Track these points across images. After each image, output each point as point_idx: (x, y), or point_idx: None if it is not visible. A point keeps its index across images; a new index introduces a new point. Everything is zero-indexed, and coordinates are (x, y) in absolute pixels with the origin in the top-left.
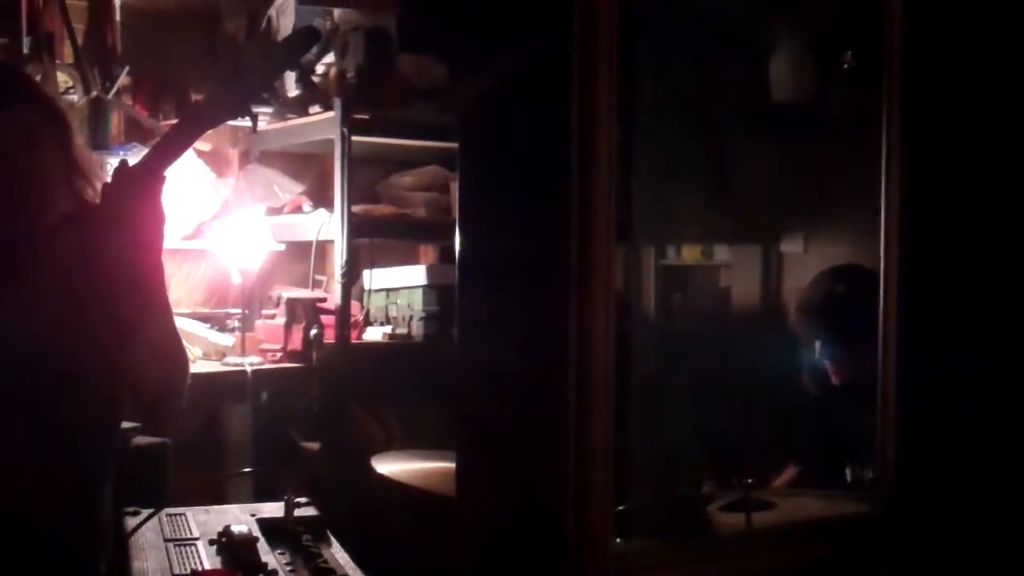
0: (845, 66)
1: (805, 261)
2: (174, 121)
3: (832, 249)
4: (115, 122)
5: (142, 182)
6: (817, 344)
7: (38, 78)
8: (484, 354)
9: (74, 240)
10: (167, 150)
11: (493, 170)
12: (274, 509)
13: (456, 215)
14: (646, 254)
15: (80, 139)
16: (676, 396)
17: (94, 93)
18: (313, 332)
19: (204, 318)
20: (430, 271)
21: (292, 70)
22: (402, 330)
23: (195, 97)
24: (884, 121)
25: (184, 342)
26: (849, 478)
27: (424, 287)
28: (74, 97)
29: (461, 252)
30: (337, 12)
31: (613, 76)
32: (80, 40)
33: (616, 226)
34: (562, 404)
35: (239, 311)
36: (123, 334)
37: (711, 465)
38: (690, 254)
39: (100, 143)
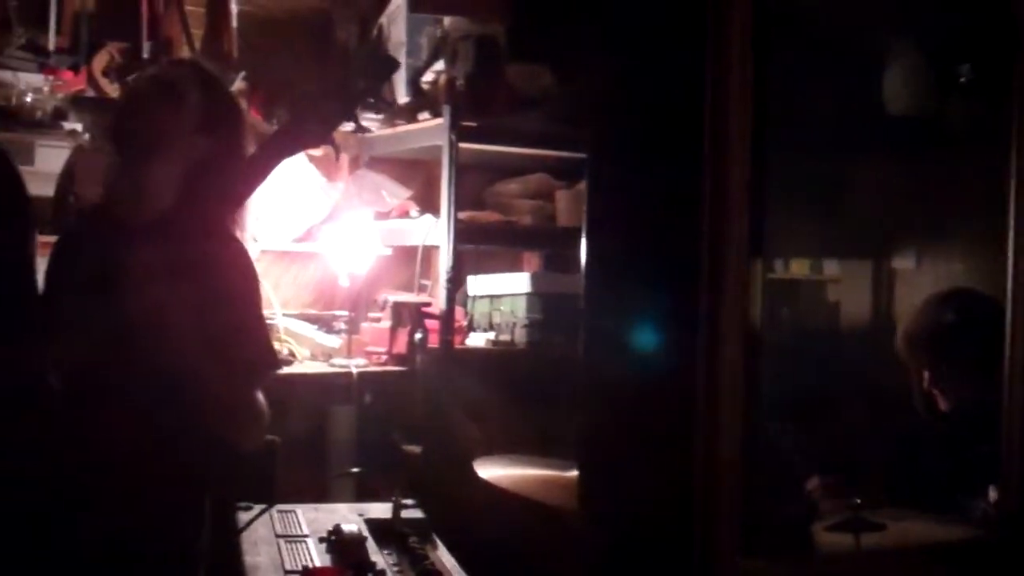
0: (962, 79)
1: (917, 277)
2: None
3: (945, 266)
4: None
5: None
6: (925, 373)
7: None
8: (610, 367)
9: (176, 242)
10: (251, 176)
11: (623, 185)
12: (381, 510)
13: (560, 222)
14: (754, 267)
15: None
16: (781, 412)
17: None
18: (417, 336)
19: (312, 319)
20: (534, 279)
21: (373, 97)
22: (505, 337)
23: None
24: (1014, 136)
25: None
26: (960, 503)
27: (528, 295)
28: None
29: (588, 266)
30: (447, 20)
31: (747, 103)
32: (198, 46)
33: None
34: (690, 419)
35: (346, 313)
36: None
37: (817, 483)
38: (799, 268)
39: None
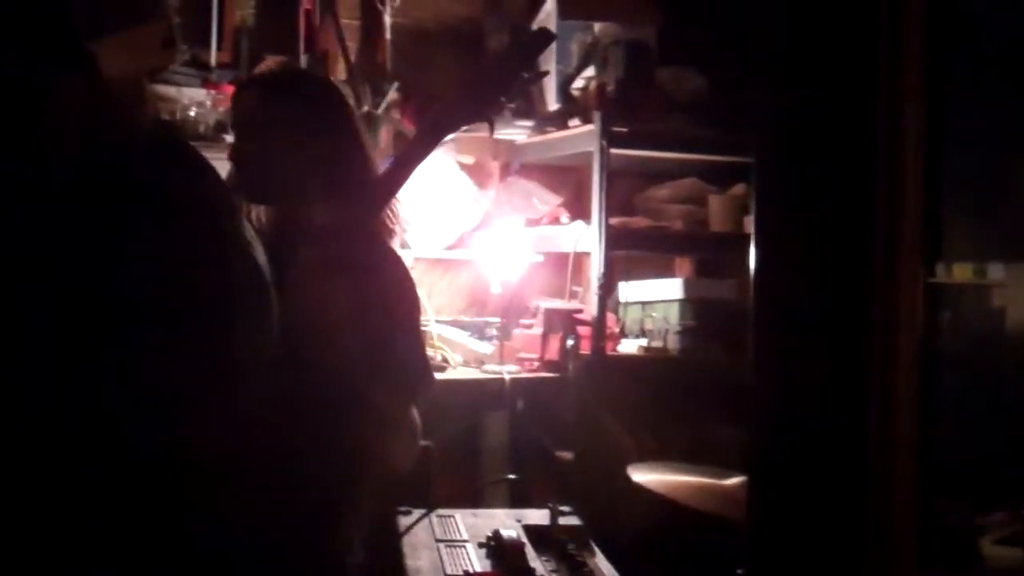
0: None
1: None
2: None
3: None
4: (384, 135)
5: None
6: None
7: None
8: (779, 375)
9: (330, 254)
10: (410, 158)
11: (792, 191)
12: (538, 516)
13: (712, 227)
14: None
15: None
16: (943, 421)
17: (365, 108)
18: (569, 343)
19: (465, 326)
20: (687, 284)
21: (528, 71)
22: (658, 343)
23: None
24: None
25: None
26: None
27: (680, 300)
28: None
29: (757, 273)
30: (597, 26)
31: (922, 101)
32: (353, 58)
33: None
34: (864, 430)
35: (498, 320)
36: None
37: (982, 495)
38: (961, 272)
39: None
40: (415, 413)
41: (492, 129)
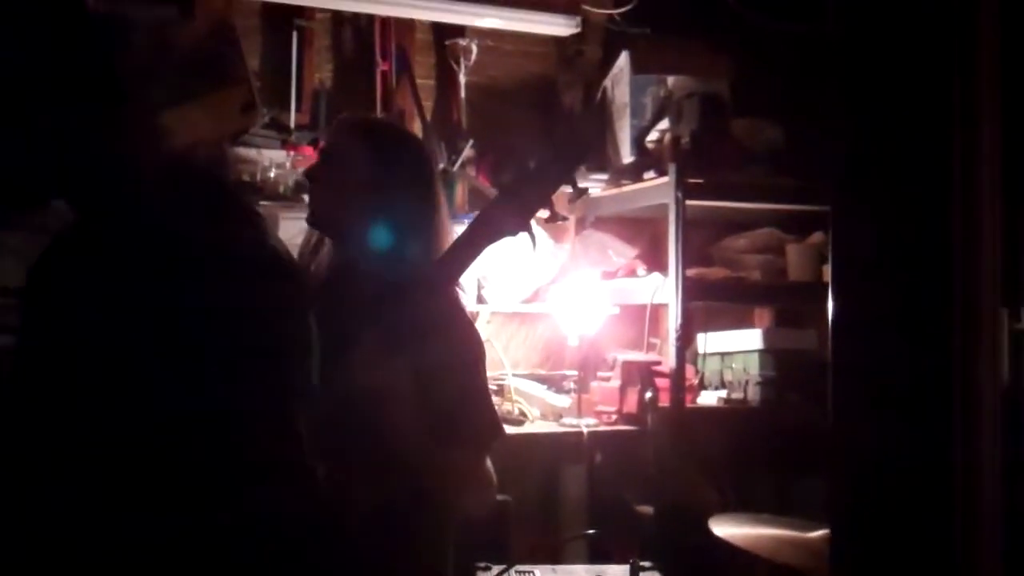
0: None
1: None
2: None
3: None
4: (460, 192)
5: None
6: None
7: None
8: (862, 429)
9: (399, 310)
10: (457, 260)
11: (869, 240)
12: (619, 572)
13: (791, 277)
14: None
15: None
16: None
17: (441, 165)
18: (648, 395)
19: (541, 379)
20: (766, 335)
21: (568, 184)
22: (738, 395)
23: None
24: None
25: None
26: None
27: (760, 351)
28: None
29: (835, 324)
30: (671, 79)
31: (998, 149)
32: (428, 116)
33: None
34: (949, 483)
35: (575, 373)
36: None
37: None
38: None
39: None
40: (489, 465)
41: (534, 243)
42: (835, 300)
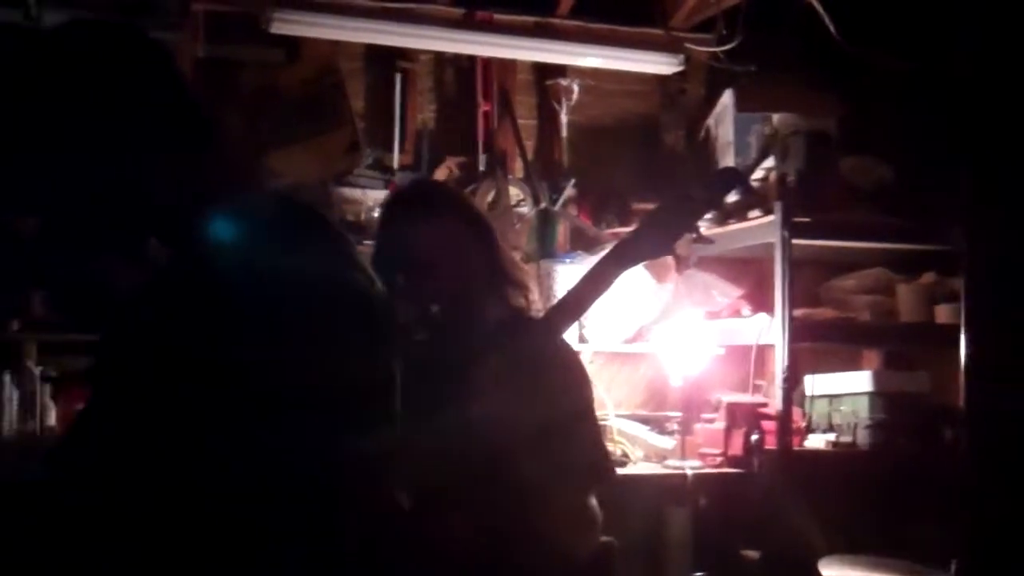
0: None
1: None
2: (616, 230)
3: None
4: (561, 231)
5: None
6: None
7: (492, 193)
8: (995, 474)
9: (509, 349)
10: (591, 288)
11: (1008, 279)
12: None
13: (902, 317)
14: None
15: (508, 248)
16: None
17: (543, 205)
18: (754, 438)
19: (644, 420)
20: (876, 377)
21: (716, 210)
22: (846, 438)
23: (635, 206)
24: None
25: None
26: None
27: (870, 394)
28: (524, 209)
29: (968, 366)
30: (776, 117)
31: None
32: (530, 156)
33: None
34: None
35: (678, 414)
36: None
37: None
38: None
39: (547, 252)
40: (595, 504)
41: (680, 266)
42: (969, 344)
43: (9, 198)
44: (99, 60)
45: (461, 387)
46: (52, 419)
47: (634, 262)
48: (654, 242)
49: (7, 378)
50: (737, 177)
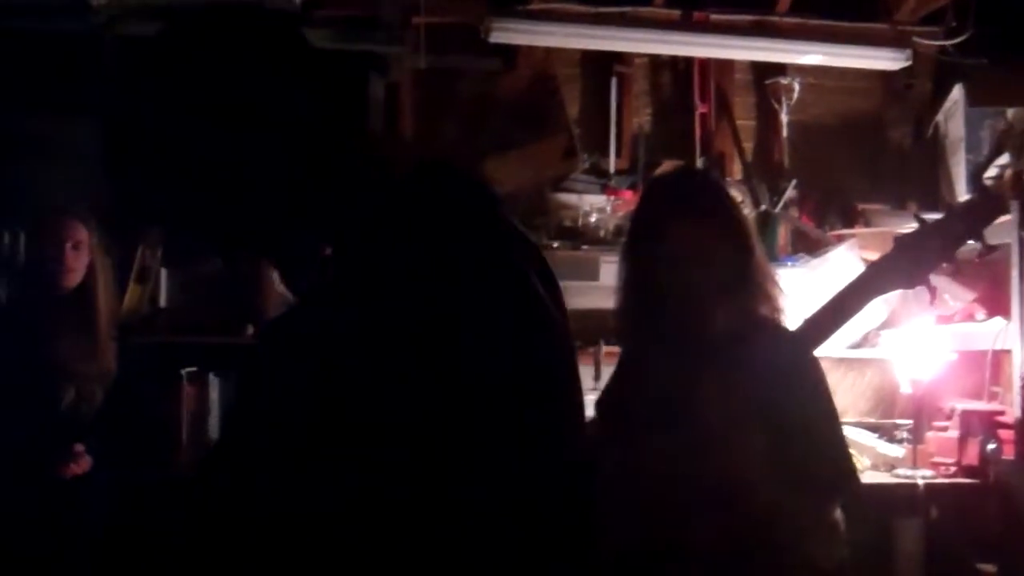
0: None
1: None
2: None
3: None
4: (782, 234)
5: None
6: None
7: None
8: None
9: (748, 359)
10: (832, 317)
11: None
12: None
13: None
14: None
15: (763, 256)
16: None
17: (763, 207)
18: (990, 447)
19: (871, 428)
20: None
21: (975, 240)
22: None
23: (860, 207)
24: None
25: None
26: None
27: None
28: (744, 212)
29: None
30: (1011, 111)
31: None
32: (749, 158)
33: None
34: None
35: (908, 422)
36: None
37: None
38: None
39: (768, 255)
40: (840, 516)
41: (933, 297)
42: None
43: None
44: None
45: (698, 399)
46: None
47: (886, 291)
48: (908, 272)
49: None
50: (999, 207)
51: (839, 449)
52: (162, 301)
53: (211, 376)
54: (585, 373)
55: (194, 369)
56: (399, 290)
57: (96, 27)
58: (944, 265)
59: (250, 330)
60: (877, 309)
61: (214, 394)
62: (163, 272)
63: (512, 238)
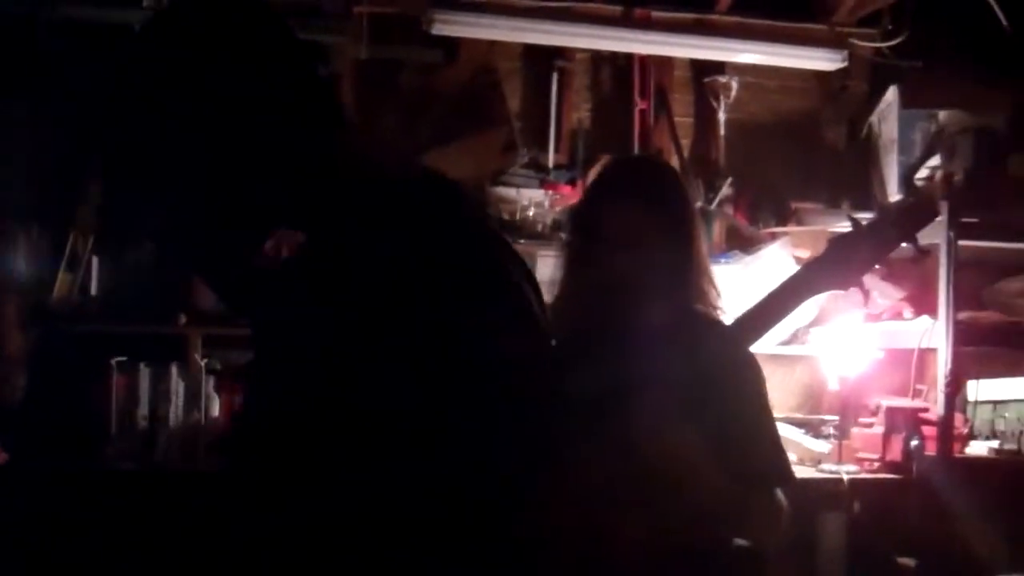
0: None
1: None
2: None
3: None
4: (717, 231)
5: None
6: None
7: None
8: None
9: (683, 353)
10: (766, 315)
11: None
12: None
13: None
14: None
15: (702, 245)
16: None
17: (699, 204)
18: (913, 443)
19: (799, 423)
20: None
21: (907, 242)
22: (1011, 445)
23: (794, 205)
24: None
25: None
26: None
27: None
28: None
29: None
30: (942, 114)
31: None
32: (686, 154)
33: None
34: None
35: (835, 418)
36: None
37: None
38: None
39: None
40: (779, 495)
41: (866, 299)
42: None
43: (142, 182)
44: (223, 33)
45: (631, 392)
46: (216, 410)
47: (820, 292)
48: (842, 273)
49: (174, 370)
50: (934, 212)
51: (774, 446)
52: (93, 289)
53: (142, 366)
54: None
55: (124, 359)
56: (391, 285)
57: (32, 9)
58: (876, 266)
59: (182, 319)
60: (807, 307)
61: (144, 384)
62: (94, 260)
63: (497, 239)
